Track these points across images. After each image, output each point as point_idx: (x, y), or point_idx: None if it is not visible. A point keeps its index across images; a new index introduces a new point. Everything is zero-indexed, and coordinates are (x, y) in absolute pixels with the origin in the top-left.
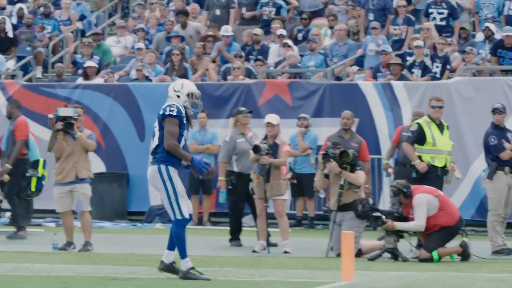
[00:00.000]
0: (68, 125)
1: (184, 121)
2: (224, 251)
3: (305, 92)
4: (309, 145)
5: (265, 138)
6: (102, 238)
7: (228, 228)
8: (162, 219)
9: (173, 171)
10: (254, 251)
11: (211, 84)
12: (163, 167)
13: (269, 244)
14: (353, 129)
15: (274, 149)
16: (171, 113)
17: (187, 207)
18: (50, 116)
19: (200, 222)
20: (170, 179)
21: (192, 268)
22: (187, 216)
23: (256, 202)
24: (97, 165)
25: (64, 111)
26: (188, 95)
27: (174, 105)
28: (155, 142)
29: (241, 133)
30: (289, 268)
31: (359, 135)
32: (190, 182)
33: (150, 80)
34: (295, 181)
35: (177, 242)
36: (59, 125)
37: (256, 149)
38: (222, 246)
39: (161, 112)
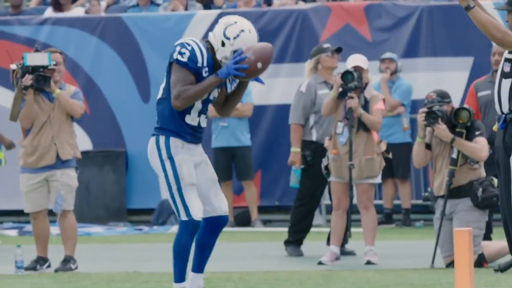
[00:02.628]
0: (41, 79)
1: (205, 74)
2: (277, 264)
3: (391, 20)
4: (399, 100)
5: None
6: (91, 251)
7: (286, 227)
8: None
9: (177, 146)
10: (320, 263)
11: (249, 12)
12: (161, 139)
13: (344, 253)
14: (467, 72)
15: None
16: (178, 58)
17: (198, 203)
18: (13, 67)
19: (241, 222)
20: (171, 157)
21: None
22: (197, 216)
23: (332, 188)
24: (78, 140)
25: (35, 59)
26: (235, 52)
27: (189, 44)
28: (158, 94)
29: (324, 81)
30: (374, 286)
31: (475, 79)
32: (215, 160)
33: (157, 6)
34: (390, 156)
35: (175, 254)
36: (28, 79)
37: (346, 76)
38: (273, 256)
39: (171, 53)
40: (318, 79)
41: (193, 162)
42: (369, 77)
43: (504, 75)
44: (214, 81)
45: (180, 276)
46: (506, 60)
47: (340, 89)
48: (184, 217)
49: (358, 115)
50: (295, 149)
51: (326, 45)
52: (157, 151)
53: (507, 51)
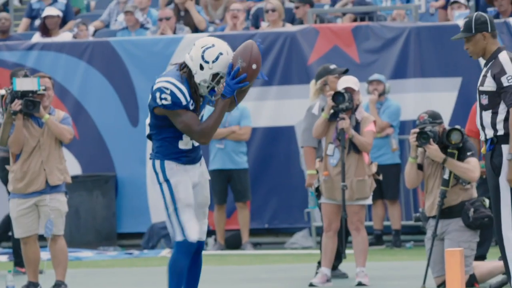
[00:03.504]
0: (30, 104)
1: (191, 107)
2: (267, 286)
3: (379, 42)
4: (388, 121)
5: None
6: (81, 275)
7: (276, 250)
8: (170, 242)
9: (172, 168)
10: (312, 285)
11: (237, 35)
12: (157, 163)
13: (336, 275)
14: (455, 92)
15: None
16: (163, 103)
17: (195, 225)
18: (2, 92)
19: (231, 245)
20: (167, 180)
21: None
22: (193, 238)
23: (323, 209)
24: (67, 164)
25: (24, 84)
26: (215, 75)
27: (166, 88)
28: (147, 130)
29: None
30: None
31: (464, 99)
32: (212, 182)
33: (147, 29)
34: (380, 178)
35: (170, 274)
36: (17, 105)
37: (337, 97)
38: (264, 279)
39: (151, 96)
40: (325, 101)
41: (192, 182)
42: (360, 99)
43: (483, 108)
44: (225, 103)
45: None
46: (481, 92)
47: (331, 111)
48: (179, 238)
49: (349, 136)
50: (311, 172)
51: (332, 66)
52: (155, 174)
53: (479, 84)
